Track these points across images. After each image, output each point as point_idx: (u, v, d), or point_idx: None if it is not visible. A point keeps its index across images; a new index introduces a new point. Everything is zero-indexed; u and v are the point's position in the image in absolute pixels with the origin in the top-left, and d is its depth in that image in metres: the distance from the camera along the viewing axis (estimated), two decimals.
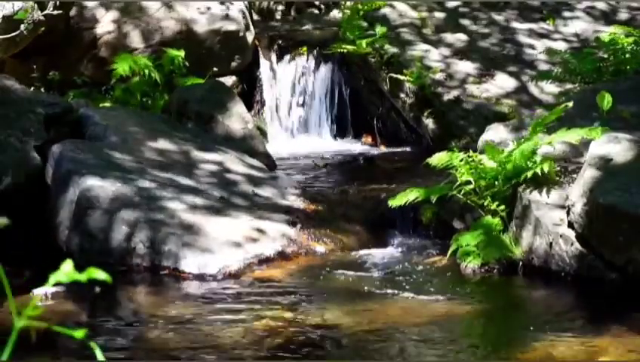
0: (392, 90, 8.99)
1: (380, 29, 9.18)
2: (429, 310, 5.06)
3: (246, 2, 9.87)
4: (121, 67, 8.47)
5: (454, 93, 8.60)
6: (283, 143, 9.17)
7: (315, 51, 9.60)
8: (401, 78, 8.77)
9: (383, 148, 9.08)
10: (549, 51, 8.87)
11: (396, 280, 5.57)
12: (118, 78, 8.51)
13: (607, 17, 9.74)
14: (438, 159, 6.24)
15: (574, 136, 5.95)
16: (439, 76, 8.77)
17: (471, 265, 5.67)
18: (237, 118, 7.94)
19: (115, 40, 8.91)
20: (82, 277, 1.26)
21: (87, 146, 6.64)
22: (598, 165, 5.46)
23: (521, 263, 5.70)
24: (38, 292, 5.11)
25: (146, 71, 8.53)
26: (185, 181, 6.50)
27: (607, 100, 6.34)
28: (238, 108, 8.04)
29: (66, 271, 1.26)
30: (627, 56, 7.95)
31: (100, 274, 1.27)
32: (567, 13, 9.81)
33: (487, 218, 5.90)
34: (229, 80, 9.12)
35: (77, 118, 7.10)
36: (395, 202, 6.22)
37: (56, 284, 4.61)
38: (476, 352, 4.61)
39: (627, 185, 5.34)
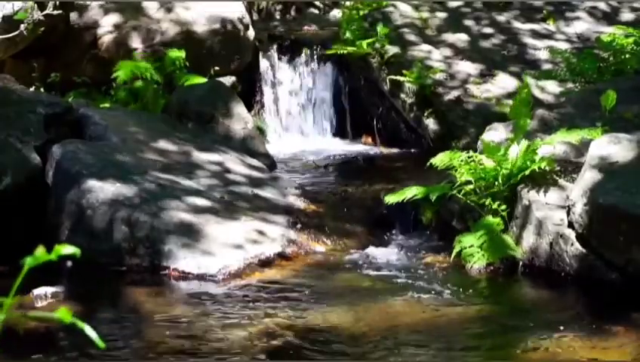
0: (392, 91, 8.99)
1: (380, 29, 9.17)
2: (429, 310, 5.05)
3: (246, 2, 9.86)
4: (123, 73, 8.46)
5: (455, 93, 8.60)
6: (283, 143, 9.17)
7: (315, 51, 9.60)
8: (402, 78, 8.77)
9: (383, 149, 9.08)
10: (551, 51, 8.87)
11: (397, 280, 5.57)
12: (117, 81, 8.51)
13: (610, 18, 9.74)
14: (441, 159, 6.24)
15: (575, 136, 5.95)
16: (440, 76, 8.76)
17: (476, 265, 5.67)
18: (237, 118, 7.94)
19: (115, 40, 8.91)
20: (52, 256, 1.28)
21: (88, 146, 6.63)
22: (598, 165, 5.46)
23: (521, 263, 5.70)
24: (38, 292, 5.11)
25: (148, 74, 8.52)
26: (185, 181, 6.50)
27: (611, 99, 6.34)
28: (238, 108, 8.04)
29: (37, 253, 1.27)
30: (627, 56, 7.96)
31: (68, 249, 1.28)
32: (569, 14, 9.81)
33: (488, 218, 5.89)
34: (229, 80, 9.11)
35: (77, 118, 7.10)
36: (391, 198, 6.22)
37: (56, 284, 4.55)
38: (477, 352, 4.61)
39: (627, 185, 5.34)
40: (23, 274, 1.29)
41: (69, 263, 5.57)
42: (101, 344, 1.35)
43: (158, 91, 8.60)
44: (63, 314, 1.28)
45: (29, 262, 1.27)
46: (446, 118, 8.51)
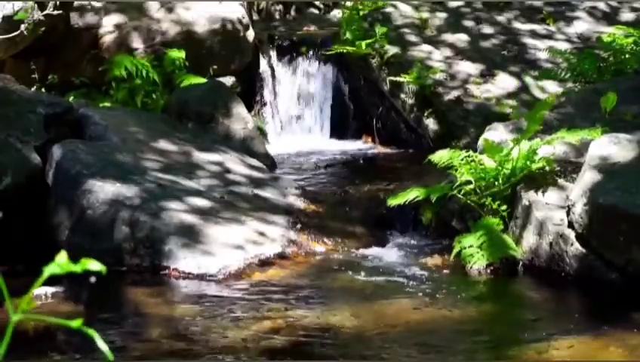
0: (392, 91, 8.99)
1: (380, 29, 9.17)
2: (428, 310, 5.05)
3: (246, 2, 9.86)
4: (117, 69, 8.46)
5: (455, 93, 8.60)
6: (283, 143, 9.17)
7: (315, 51, 9.60)
8: (402, 78, 8.77)
9: (383, 149, 9.08)
10: (551, 51, 8.87)
11: (397, 281, 5.57)
12: (114, 79, 8.51)
13: (610, 18, 9.74)
14: (440, 157, 6.25)
15: (574, 136, 5.95)
16: (440, 76, 8.76)
17: (476, 266, 5.66)
18: (237, 118, 7.94)
19: (115, 40, 8.91)
20: (77, 268, 1.25)
21: (88, 146, 6.63)
22: (598, 166, 5.46)
23: (521, 263, 5.70)
24: (38, 292, 5.11)
25: (144, 72, 8.52)
26: (185, 181, 6.50)
27: (611, 101, 6.34)
28: (238, 108, 8.05)
29: (60, 262, 1.25)
30: (627, 56, 7.96)
31: (94, 265, 1.26)
32: (569, 14, 9.81)
33: (488, 218, 5.90)
34: (229, 80, 9.12)
35: (77, 118, 7.10)
36: (394, 201, 6.23)
37: (56, 284, 4.55)
38: (478, 352, 4.61)
39: (627, 185, 5.34)
40: (42, 281, 1.28)
41: None
42: (110, 356, 1.35)
43: (156, 91, 8.60)
44: (77, 323, 1.28)
45: (50, 270, 1.25)
46: (446, 118, 8.51)
